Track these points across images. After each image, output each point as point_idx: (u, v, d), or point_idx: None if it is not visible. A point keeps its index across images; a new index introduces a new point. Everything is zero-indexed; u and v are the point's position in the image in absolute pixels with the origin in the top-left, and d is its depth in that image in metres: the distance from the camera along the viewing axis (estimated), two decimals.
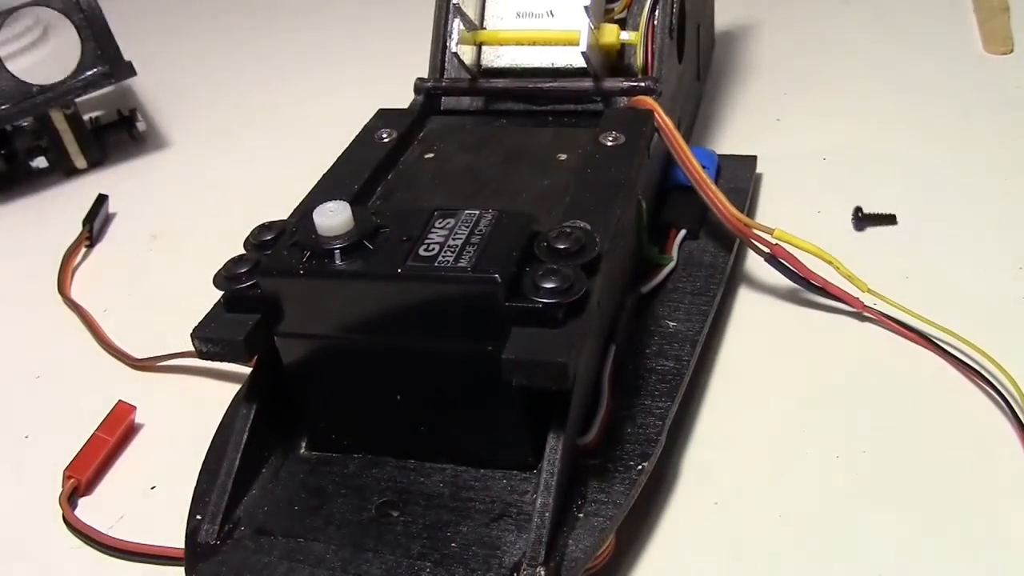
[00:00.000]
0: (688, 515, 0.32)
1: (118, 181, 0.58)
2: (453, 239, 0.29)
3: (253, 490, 0.32)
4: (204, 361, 0.31)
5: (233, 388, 0.37)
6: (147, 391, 0.40)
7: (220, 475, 0.31)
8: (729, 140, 0.53)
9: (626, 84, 0.40)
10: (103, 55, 0.56)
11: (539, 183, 0.36)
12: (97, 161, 0.60)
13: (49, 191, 0.58)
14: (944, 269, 0.41)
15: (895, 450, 0.33)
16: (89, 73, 0.56)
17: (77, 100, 0.57)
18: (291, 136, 0.60)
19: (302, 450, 0.33)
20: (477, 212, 0.30)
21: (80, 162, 0.59)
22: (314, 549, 0.29)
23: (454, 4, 0.42)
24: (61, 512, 0.35)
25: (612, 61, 0.43)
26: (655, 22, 0.42)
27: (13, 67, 0.56)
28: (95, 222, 0.52)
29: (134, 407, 0.38)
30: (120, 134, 0.61)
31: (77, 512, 0.35)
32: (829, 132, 0.53)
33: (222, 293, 0.31)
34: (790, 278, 0.39)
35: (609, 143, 0.36)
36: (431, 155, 0.39)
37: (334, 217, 0.29)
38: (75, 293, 0.48)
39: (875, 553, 0.30)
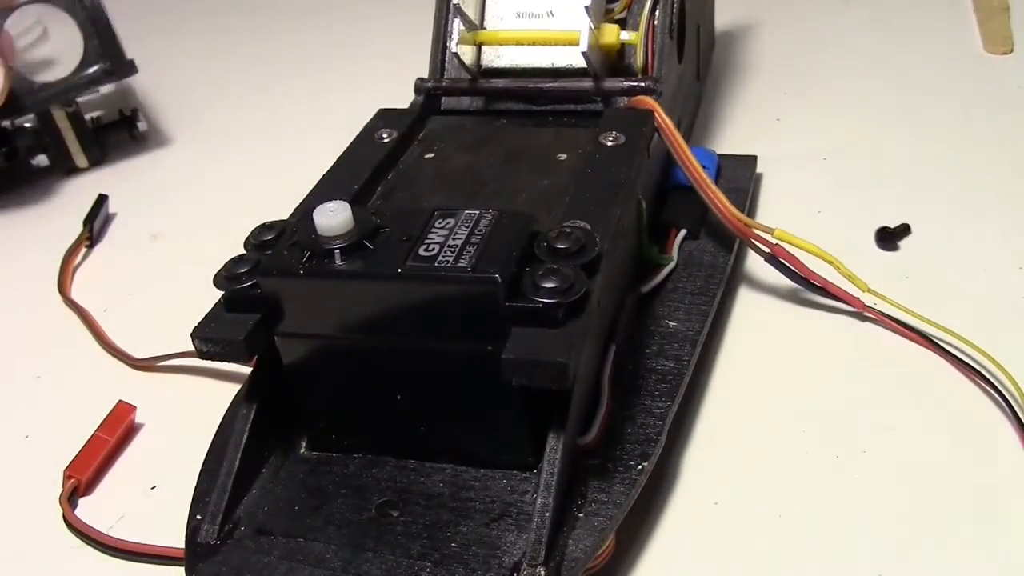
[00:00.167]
0: (688, 515, 0.32)
1: (118, 181, 0.58)
2: (453, 239, 0.29)
3: (253, 490, 0.32)
4: (204, 361, 0.31)
5: (233, 388, 0.37)
6: (147, 391, 0.40)
7: (220, 475, 0.31)
8: (729, 140, 0.53)
9: (626, 84, 0.40)
10: (105, 53, 0.56)
11: (539, 183, 0.36)
12: (98, 160, 0.60)
13: (49, 191, 0.58)
14: (944, 269, 0.41)
15: (895, 450, 0.33)
16: (91, 70, 0.56)
17: (79, 99, 0.57)
18: (291, 136, 0.60)
19: (302, 450, 0.33)
20: (477, 212, 0.30)
21: (81, 161, 0.59)
22: (314, 549, 0.29)
23: (454, 4, 0.42)
24: (61, 512, 0.35)
25: (612, 61, 0.43)
26: (655, 22, 0.42)
27: (15, 64, 0.56)
28: (95, 222, 0.52)
29: (134, 407, 0.38)
30: (121, 134, 0.61)
31: (77, 512, 0.35)
32: (829, 132, 0.53)
33: (222, 293, 0.31)
34: (790, 278, 0.39)
35: (609, 143, 0.36)
36: (431, 155, 0.39)
37: (334, 217, 0.29)
38: (75, 293, 0.48)
39: (875, 553, 0.30)
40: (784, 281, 0.40)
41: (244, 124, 0.63)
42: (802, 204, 0.46)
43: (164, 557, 0.32)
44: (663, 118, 0.38)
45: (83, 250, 0.51)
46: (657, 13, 0.42)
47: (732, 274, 0.41)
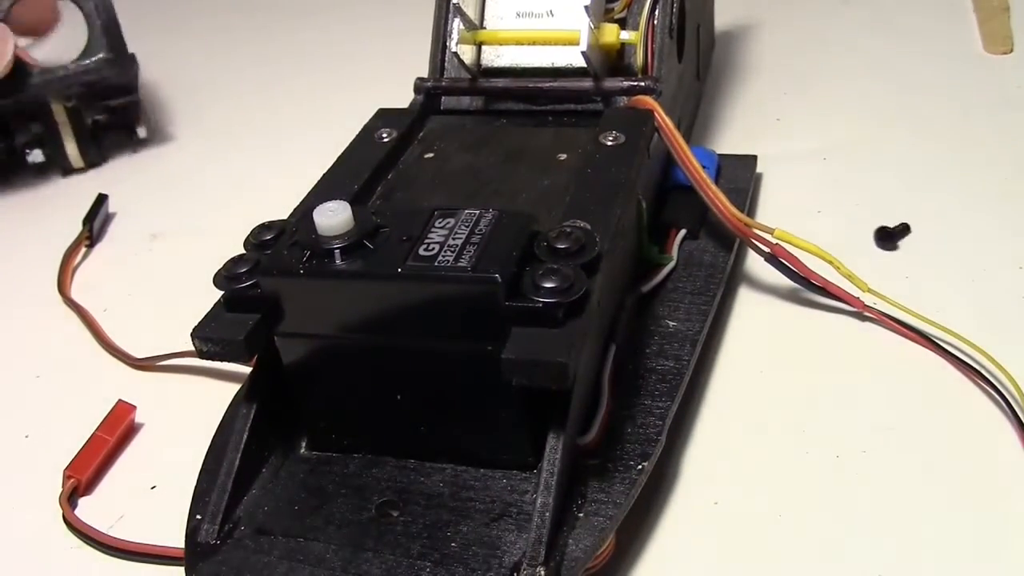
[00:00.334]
0: (688, 515, 0.32)
1: (118, 180, 0.58)
2: (453, 239, 0.29)
3: (253, 490, 0.32)
4: (204, 361, 0.31)
5: (233, 388, 0.37)
6: (147, 391, 0.40)
7: (220, 475, 0.31)
8: (729, 140, 0.53)
9: (626, 84, 0.40)
10: (108, 44, 0.56)
11: (539, 183, 0.36)
12: (95, 162, 0.59)
13: (49, 191, 0.58)
14: (944, 269, 0.41)
15: (895, 450, 0.33)
16: (92, 60, 0.56)
17: (78, 96, 0.57)
18: (291, 135, 0.60)
19: (302, 450, 0.33)
20: (477, 212, 0.30)
21: (78, 162, 0.59)
22: (314, 549, 0.29)
23: (454, 4, 0.42)
24: (61, 512, 0.35)
25: (612, 61, 0.43)
26: (655, 22, 0.42)
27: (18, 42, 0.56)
28: (95, 222, 0.52)
29: (134, 407, 0.38)
30: (120, 133, 0.61)
31: (77, 512, 0.35)
32: (829, 132, 0.53)
33: (222, 293, 0.31)
34: (790, 278, 0.39)
35: (609, 143, 0.36)
36: (431, 155, 0.39)
37: (334, 217, 0.29)
38: (75, 293, 0.48)
39: (875, 553, 0.30)
40: (784, 281, 0.40)
41: (244, 124, 0.63)
42: (802, 204, 0.46)
43: (164, 557, 0.32)
44: (663, 118, 0.38)
45: (83, 250, 0.51)
46: (657, 13, 0.42)
47: (732, 274, 0.41)
